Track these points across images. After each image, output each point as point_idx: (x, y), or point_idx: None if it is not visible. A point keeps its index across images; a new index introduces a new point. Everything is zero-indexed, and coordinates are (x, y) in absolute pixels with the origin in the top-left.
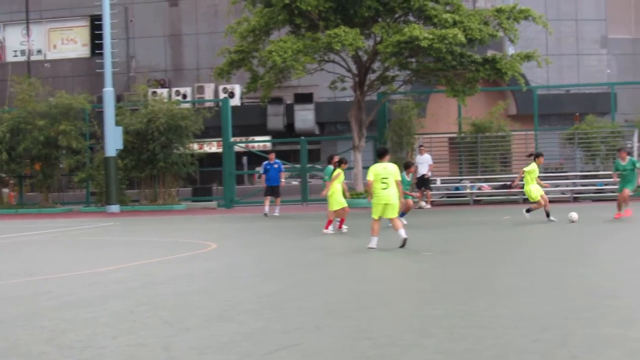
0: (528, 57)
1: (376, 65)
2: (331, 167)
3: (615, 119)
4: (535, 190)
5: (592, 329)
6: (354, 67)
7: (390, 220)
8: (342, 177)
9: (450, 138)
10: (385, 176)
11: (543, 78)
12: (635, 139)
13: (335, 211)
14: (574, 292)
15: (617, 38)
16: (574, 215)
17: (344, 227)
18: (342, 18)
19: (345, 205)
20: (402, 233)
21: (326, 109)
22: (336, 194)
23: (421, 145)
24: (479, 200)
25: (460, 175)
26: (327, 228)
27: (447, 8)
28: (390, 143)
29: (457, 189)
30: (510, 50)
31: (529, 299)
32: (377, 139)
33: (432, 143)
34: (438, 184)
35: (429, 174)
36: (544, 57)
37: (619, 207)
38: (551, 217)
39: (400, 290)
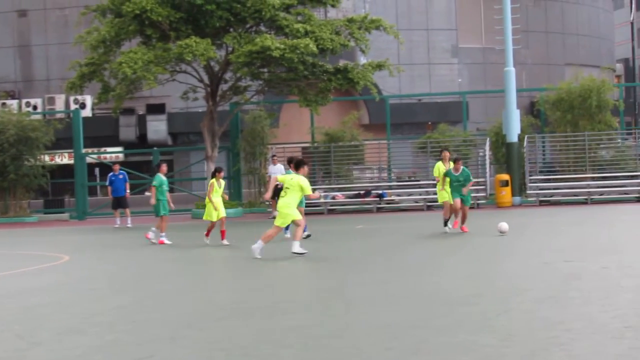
0: (380, 67)
1: (228, 75)
2: (160, 175)
3: (467, 128)
4: (443, 192)
5: (445, 337)
6: (205, 78)
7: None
8: (215, 187)
9: (303, 148)
10: (287, 186)
11: (395, 87)
12: (487, 147)
13: (212, 222)
14: (428, 300)
15: (468, 47)
16: (504, 225)
17: (225, 240)
18: (194, 28)
19: (222, 216)
20: (256, 249)
21: (179, 120)
22: (209, 205)
23: (274, 155)
24: (333, 210)
25: (314, 185)
26: (207, 236)
27: (299, 18)
28: (244, 153)
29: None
30: (362, 60)
31: (382, 308)
32: (230, 149)
33: (285, 153)
34: None
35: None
36: (396, 67)
37: (457, 217)
38: (446, 228)
39: (256, 300)
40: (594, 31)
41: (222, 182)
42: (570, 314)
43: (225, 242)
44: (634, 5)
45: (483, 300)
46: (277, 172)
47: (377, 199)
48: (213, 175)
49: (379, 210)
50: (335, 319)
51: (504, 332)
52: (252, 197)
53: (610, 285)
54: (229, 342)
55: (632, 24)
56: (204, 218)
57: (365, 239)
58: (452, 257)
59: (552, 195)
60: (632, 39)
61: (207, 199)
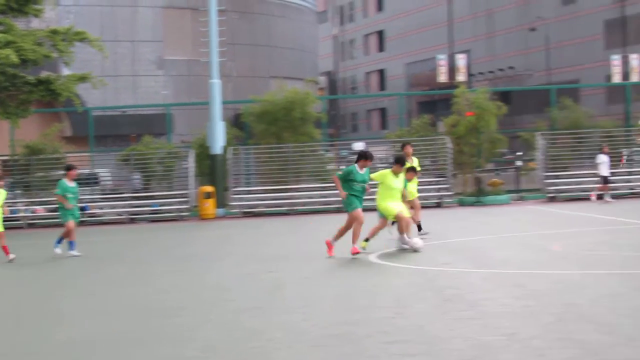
0: (83, 79)
1: None
2: None
3: (171, 140)
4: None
5: (147, 349)
6: None
7: None
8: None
9: (3, 161)
10: None
11: (100, 99)
12: (191, 159)
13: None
14: (130, 312)
15: (174, 59)
16: (418, 242)
17: (11, 255)
18: None
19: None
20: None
21: None
22: None
23: None
24: (33, 224)
25: (15, 199)
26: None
27: (0, 28)
28: None
29: (11, 212)
30: (66, 71)
31: (84, 322)
32: None
33: None
34: None
35: None
36: (100, 79)
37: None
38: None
39: None
40: (299, 44)
41: (3, 192)
42: (272, 324)
43: (11, 256)
44: (337, 20)
45: (186, 312)
46: None
47: (80, 212)
48: None
49: (82, 223)
50: (29, 336)
51: (206, 344)
52: None
53: (311, 294)
54: None
55: (335, 38)
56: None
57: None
58: (156, 269)
59: (255, 206)
60: (335, 53)
61: None
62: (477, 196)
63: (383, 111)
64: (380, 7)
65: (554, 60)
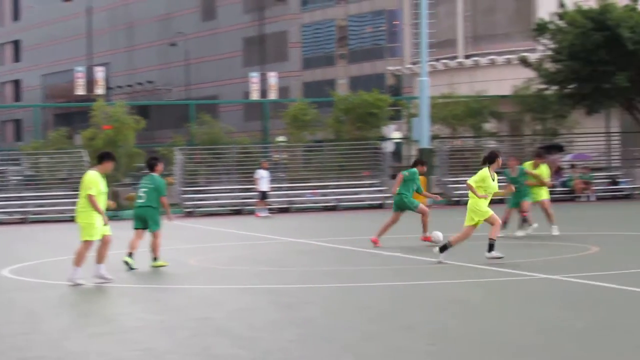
0: None
1: None
2: None
3: None
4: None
5: None
6: None
7: None
8: None
9: None
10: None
11: None
12: None
13: None
14: None
15: None
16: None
17: None
18: None
19: None
20: None
21: None
22: None
23: None
24: None
25: None
26: None
27: None
28: None
29: None
30: None
31: None
32: None
33: None
34: None
35: None
36: None
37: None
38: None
39: None
40: None
41: None
42: None
43: None
44: None
45: None
46: None
47: None
48: None
49: None
50: None
51: None
52: None
53: None
54: None
55: None
56: None
57: None
58: None
59: None
60: None
61: None
62: (114, 210)
63: (18, 122)
64: (16, 16)
65: (194, 75)
